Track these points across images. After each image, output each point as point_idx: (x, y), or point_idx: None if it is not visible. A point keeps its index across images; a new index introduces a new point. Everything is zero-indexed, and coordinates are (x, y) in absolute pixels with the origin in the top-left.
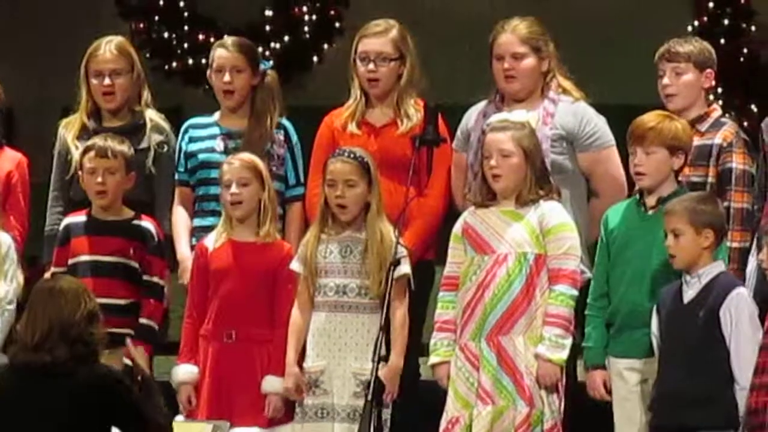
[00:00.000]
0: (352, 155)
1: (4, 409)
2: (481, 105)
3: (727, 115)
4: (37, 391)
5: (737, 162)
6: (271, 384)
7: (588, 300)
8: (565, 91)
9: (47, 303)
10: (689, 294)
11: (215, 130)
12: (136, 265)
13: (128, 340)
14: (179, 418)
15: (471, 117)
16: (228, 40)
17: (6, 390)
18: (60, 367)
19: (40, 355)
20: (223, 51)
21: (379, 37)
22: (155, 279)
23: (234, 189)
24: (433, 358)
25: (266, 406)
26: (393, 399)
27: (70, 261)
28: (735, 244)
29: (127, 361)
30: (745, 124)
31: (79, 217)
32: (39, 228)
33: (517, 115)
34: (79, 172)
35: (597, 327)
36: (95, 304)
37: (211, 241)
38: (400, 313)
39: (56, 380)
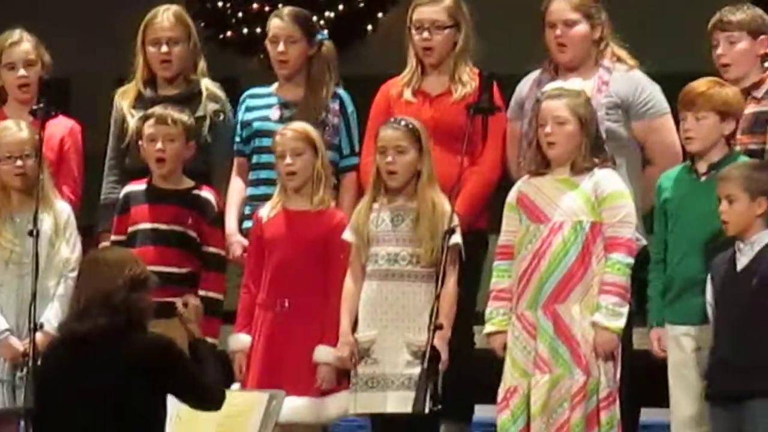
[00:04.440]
0: (402, 122)
1: (55, 379)
2: (535, 74)
3: None
4: (84, 360)
5: None
6: (322, 354)
7: (650, 266)
8: (619, 60)
9: (91, 272)
10: (742, 261)
11: (272, 100)
12: (194, 234)
13: (178, 304)
14: (235, 386)
15: (525, 86)
16: (284, 10)
17: (56, 360)
18: (103, 334)
19: (82, 324)
20: (279, 21)
21: (433, 6)
22: (214, 250)
23: (288, 160)
24: (489, 327)
25: (317, 377)
26: (445, 368)
27: (130, 229)
28: None
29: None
30: None
31: (139, 186)
32: (92, 197)
33: (573, 83)
34: (139, 142)
35: (657, 289)
36: (142, 272)
37: (266, 210)
38: (451, 283)
39: (102, 348)
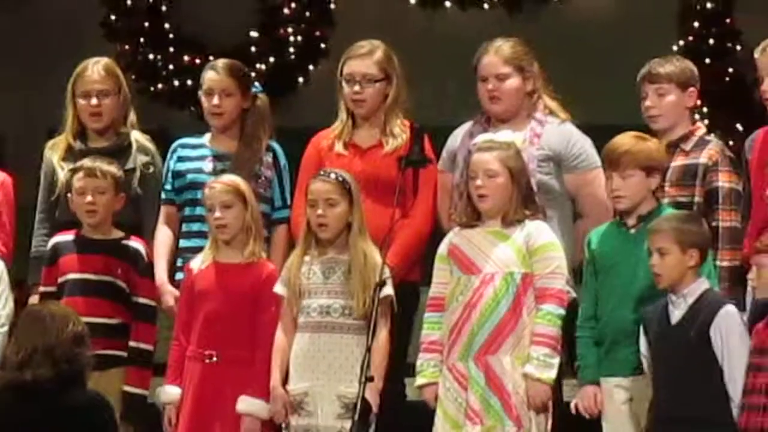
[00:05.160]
0: (332, 175)
1: None
2: (467, 125)
3: (712, 134)
4: (21, 411)
5: (723, 180)
6: (245, 404)
7: (578, 322)
8: (551, 112)
9: (34, 324)
10: (676, 315)
11: (205, 152)
12: (123, 285)
13: None
14: None
15: (457, 137)
16: (219, 62)
17: None
18: (44, 385)
19: (23, 373)
20: (213, 74)
21: (363, 59)
22: (144, 300)
23: (217, 213)
24: (420, 380)
25: (241, 428)
26: (374, 419)
27: (60, 279)
28: (725, 263)
29: (129, 389)
30: (731, 143)
31: (67, 236)
32: (24, 250)
33: (503, 135)
34: (69, 194)
35: (589, 346)
36: (84, 328)
37: (197, 262)
38: (382, 335)
39: (41, 400)
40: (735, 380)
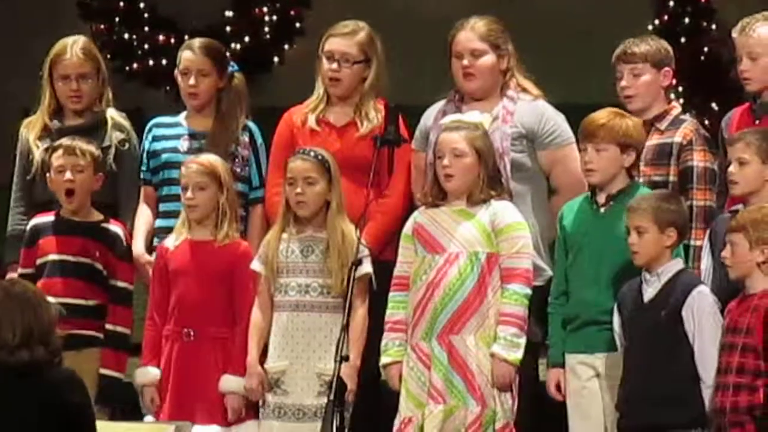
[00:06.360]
0: (311, 153)
1: None
2: (440, 104)
3: (687, 113)
4: (8, 392)
5: (698, 160)
6: (228, 383)
7: (549, 298)
8: (524, 90)
9: (24, 307)
10: (649, 292)
11: (180, 130)
12: (101, 267)
13: None
14: (148, 418)
15: (430, 116)
16: (195, 42)
17: None
18: (36, 367)
19: (18, 356)
20: (190, 53)
21: (345, 38)
22: (122, 284)
23: (189, 193)
24: (384, 359)
25: (228, 406)
26: (353, 398)
27: (39, 261)
28: (698, 242)
29: (105, 371)
30: (707, 122)
31: (47, 218)
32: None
33: (471, 116)
34: (48, 174)
35: (557, 324)
36: None
37: (170, 241)
38: (360, 313)
39: (26, 381)
40: (706, 361)
